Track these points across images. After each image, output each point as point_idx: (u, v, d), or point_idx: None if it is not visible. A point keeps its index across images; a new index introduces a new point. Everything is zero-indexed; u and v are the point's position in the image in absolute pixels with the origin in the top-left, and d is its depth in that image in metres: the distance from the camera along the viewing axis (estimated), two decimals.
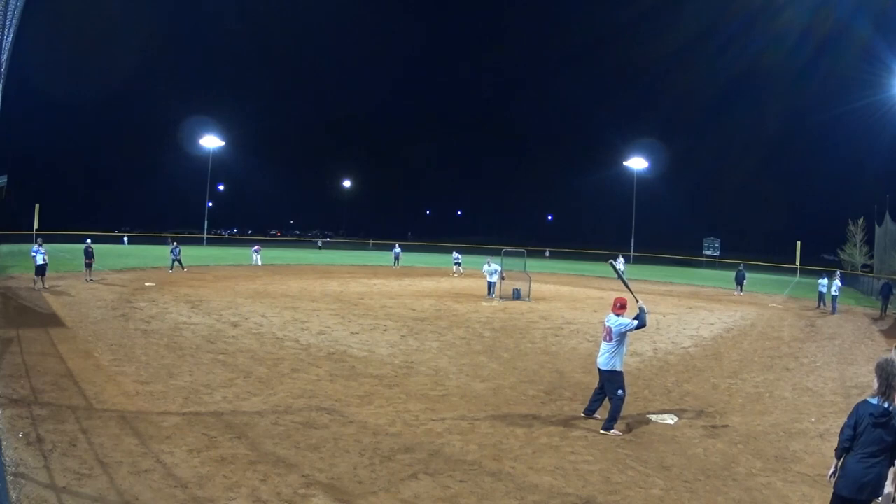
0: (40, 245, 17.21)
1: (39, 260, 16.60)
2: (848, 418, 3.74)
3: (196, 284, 19.64)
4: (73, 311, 12.73)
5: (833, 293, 20.38)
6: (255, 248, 32.70)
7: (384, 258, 45.67)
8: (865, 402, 3.71)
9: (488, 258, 20.26)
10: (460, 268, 30.33)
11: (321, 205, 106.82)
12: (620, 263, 33.78)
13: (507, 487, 4.79)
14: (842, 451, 3.73)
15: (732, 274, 26.76)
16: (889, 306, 20.29)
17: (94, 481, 4.43)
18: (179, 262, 24.38)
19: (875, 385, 3.69)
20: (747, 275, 26.39)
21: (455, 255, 31.56)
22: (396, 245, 37.07)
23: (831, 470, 3.87)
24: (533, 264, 22.38)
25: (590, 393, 7.07)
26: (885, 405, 3.59)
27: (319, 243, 64.52)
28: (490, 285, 19.78)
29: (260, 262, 31.16)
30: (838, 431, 3.79)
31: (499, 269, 19.93)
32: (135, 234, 54.46)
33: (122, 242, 50.52)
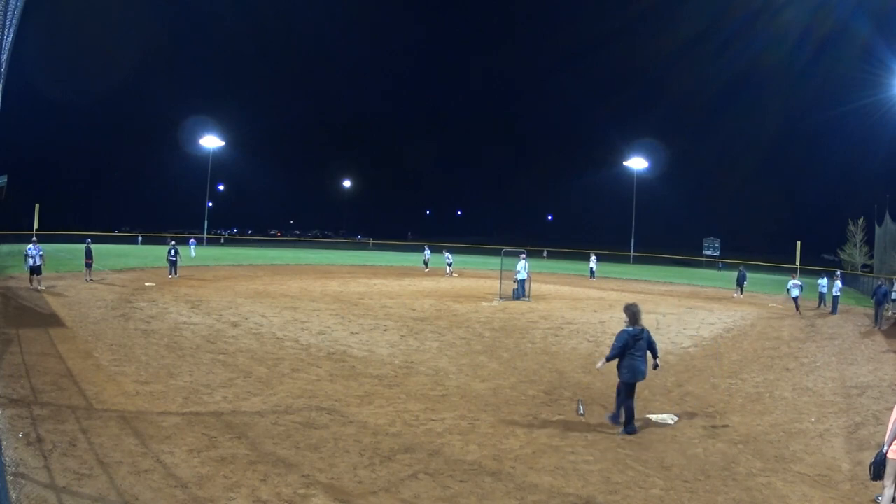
0: (35, 244, 17.04)
1: (38, 260, 16.51)
2: (616, 341, 6.32)
3: (196, 284, 19.64)
4: (73, 311, 12.72)
5: (834, 293, 20.30)
6: (192, 241, 36.77)
7: (384, 258, 45.68)
8: (624, 330, 6.34)
9: (523, 255, 20.00)
10: (448, 267, 30.21)
11: (321, 205, 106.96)
12: (593, 262, 33.69)
13: (507, 487, 4.79)
14: (610, 359, 6.36)
15: (731, 274, 26.31)
16: (887, 311, 18.89)
17: (94, 481, 4.43)
18: (174, 263, 21.61)
19: (627, 319, 6.44)
20: (748, 275, 26.05)
21: (446, 254, 31.24)
22: (427, 247, 34.50)
23: (599, 364, 6.60)
24: (532, 264, 22.37)
25: (590, 393, 7.13)
26: (639, 328, 6.36)
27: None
28: (520, 283, 19.36)
29: (193, 254, 33.35)
30: (838, 431, 3.90)
31: (520, 269, 19.39)
32: (149, 234, 54.43)
33: (137, 242, 50.52)
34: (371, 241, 73.37)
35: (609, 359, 6.35)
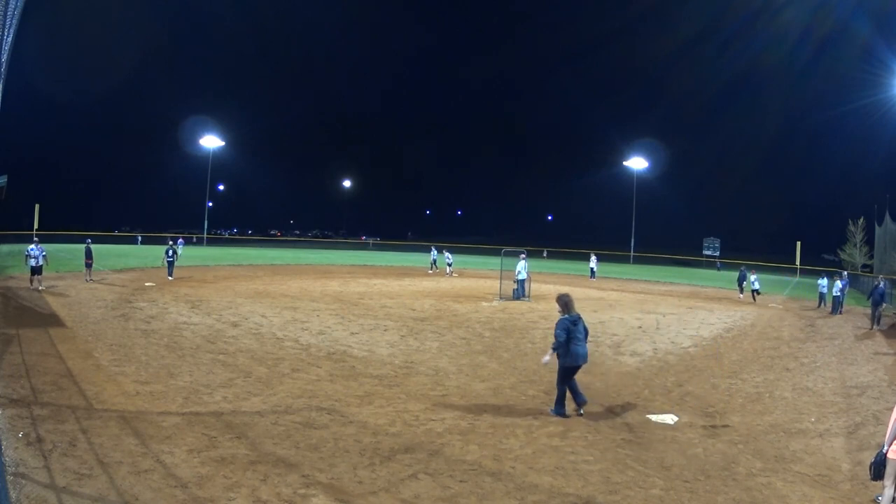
0: (37, 244, 17.01)
1: (41, 260, 16.48)
2: (559, 330, 6.63)
3: (196, 284, 19.64)
4: (73, 311, 12.72)
5: (835, 293, 20.27)
6: (180, 240, 37.39)
7: (384, 258, 45.70)
8: (562, 318, 6.72)
9: (523, 256, 20.01)
10: (448, 267, 30.30)
11: (321, 205, 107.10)
12: (593, 262, 33.66)
13: (507, 487, 4.79)
14: (556, 348, 6.64)
15: (731, 274, 26.43)
16: (883, 312, 18.02)
17: (94, 481, 4.43)
18: (171, 264, 21.12)
19: (560, 309, 6.88)
20: (748, 275, 25.88)
21: (447, 254, 31.30)
22: (433, 248, 34.29)
23: (546, 358, 6.85)
24: (532, 264, 22.39)
25: (590, 393, 7.17)
26: (575, 315, 6.82)
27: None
28: (520, 283, 19.31)
29: (180, 253, 33.03)
30: (838, 431, 3.89)
31: (520, 269, 19.34)
32: (148, 234, 54.27)
33: (136, 242, 50.33)
34: (372, 242, 73.41)
35: (556, 348, 6.66)
